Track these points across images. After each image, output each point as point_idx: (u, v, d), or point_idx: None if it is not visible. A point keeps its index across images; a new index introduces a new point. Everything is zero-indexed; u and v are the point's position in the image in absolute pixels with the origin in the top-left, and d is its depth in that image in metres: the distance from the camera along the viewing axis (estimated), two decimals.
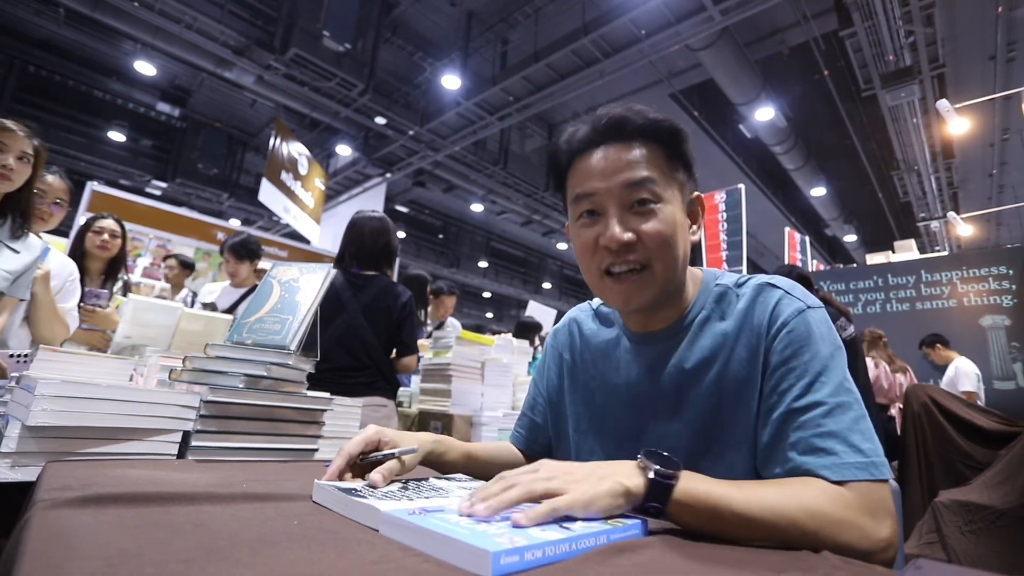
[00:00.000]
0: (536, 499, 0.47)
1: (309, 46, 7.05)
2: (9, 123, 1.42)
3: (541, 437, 0.91)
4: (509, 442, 0.94)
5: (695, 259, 0.78)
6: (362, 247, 2.13)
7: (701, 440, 0.69)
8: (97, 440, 0.76)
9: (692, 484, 0.52)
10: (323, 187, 9.31)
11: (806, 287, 0.80)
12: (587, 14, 6.91)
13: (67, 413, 0.73)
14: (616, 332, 0.82)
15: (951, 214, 8.34)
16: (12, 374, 1.05)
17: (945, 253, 8.69)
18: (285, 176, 8.03)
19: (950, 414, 2.65)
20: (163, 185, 10.98)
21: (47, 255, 1.66)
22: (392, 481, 0.63)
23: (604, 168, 0.69)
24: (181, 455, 0.84)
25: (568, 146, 0.74)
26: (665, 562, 0.41)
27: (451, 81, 8.01)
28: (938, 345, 4.10)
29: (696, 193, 0.76)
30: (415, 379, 2.57)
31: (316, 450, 0.97)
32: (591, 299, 0.92)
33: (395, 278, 2.32)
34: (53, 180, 1.87)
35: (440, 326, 3.69)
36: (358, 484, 0.59)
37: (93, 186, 5.74)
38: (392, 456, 0.65)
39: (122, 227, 2.30)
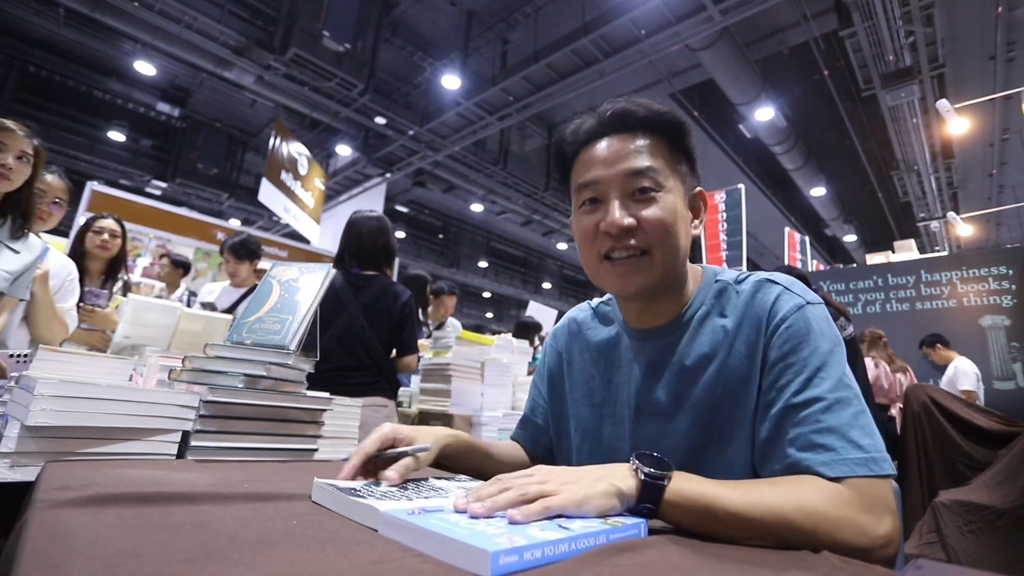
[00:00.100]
0: (530, 501, 0.48)
1: (309, 46, 7.05)
2: (9, 123, 1.42)
3: (543, 438, 0.91)
4: (515, 443, 0.94)
5: (695, 258, 0.78)
6: (361, 247, 2.13)
7: (701, 437, 0.69)
8: (96, 440, 0.76)
9: (684, 484, 0.52)
10: (323, 187, 9.31)
11: None
12: (587, 14, 6.91)
13: (66, 413, 0.73)
14: (616, 330, 0.82)
15: (951, 214, 8.34)
16: (12, 374, 1.05)
17: (945, 253, 8.69)
18: (285, 176, 8.03)
19: (950, 414, 2.65)
20: (163, 185, 10.99)
21: (46, 255, 1.66)
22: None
23: (607, 157, 0.70)
24: (180, 455, 0.84)
25: (573, 138, 0.75)
26: (665, 562, 0.41)
27: (451, 81, 8.01)
28: (938, 345, 4.11)
29: (699, 188, 0.76)
30: (415, 379, 2.57)
31: (316, 450, 0.97)
32: (590, 299, 0.92)
33: (395, 278, 2.32)
34: (52, 179, 1.87)
35: (440, 326, 3.69)
36: (358, 484, 0.59)
37: (93, 186, 5.75)
38: (405, 454, 0.65)
39: (122, 227, 2.30)
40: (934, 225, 9.95)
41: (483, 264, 16.10)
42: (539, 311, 8.29)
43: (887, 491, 0.56)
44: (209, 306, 2.85)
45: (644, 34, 6.58)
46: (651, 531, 0.50)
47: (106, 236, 2.21)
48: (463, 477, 0.72)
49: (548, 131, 10.90)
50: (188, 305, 2.94)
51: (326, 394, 1.03)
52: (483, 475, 0.68)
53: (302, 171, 8.47)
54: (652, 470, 0.52)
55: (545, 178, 11.11)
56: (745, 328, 0.68)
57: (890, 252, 5.41)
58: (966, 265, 4.46)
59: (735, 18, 5.95)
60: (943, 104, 5.46)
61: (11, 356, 1.14)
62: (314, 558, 0.37)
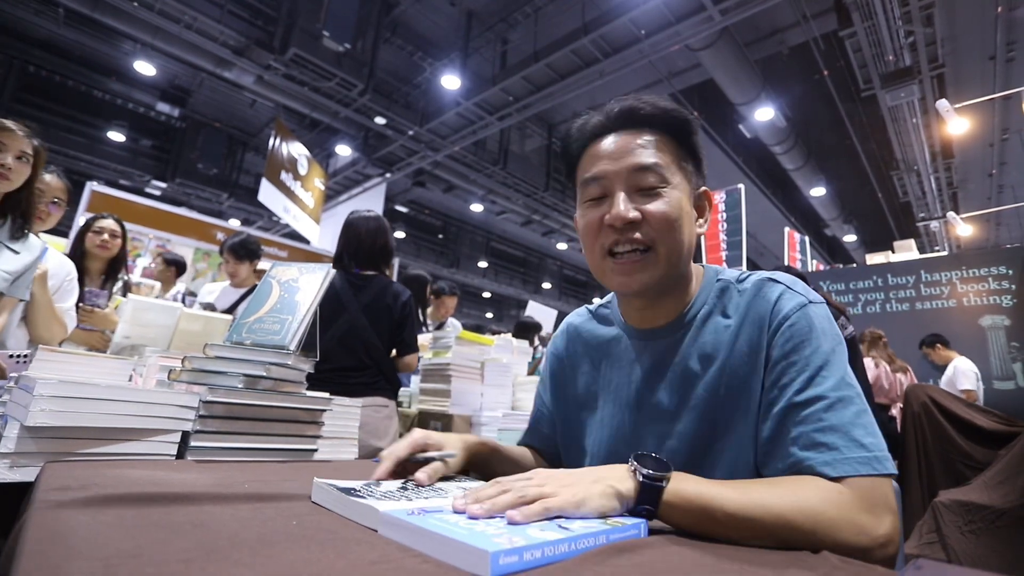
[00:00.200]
0: (528, 503, 0.48)
1: (309, 46, 7.05)
2: (8, 123, 1.42)
3: (550, 446, 0.91)
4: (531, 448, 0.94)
5: (695, 259, 0.78)
6: (360, 247, 2.13)
7: (704, 437, 0.68)
8: (96, 440, 0.76)
9: (683, 485, 0.52)
10: (323, 187, 9.31)
11: None
12: (587, 14, 6.91)
13: (66, 413, 0.73)
14: (616, 331, 0.82)
15: (951, 214, 8.34)
16: (11, 374, 1.05)
17: (945, 253, 8.69)
18: (285, 176, 8.03)
19: (950, 414, 2.65)
20: (163, 185, 10.98)
21: (45, 255, 1.66)
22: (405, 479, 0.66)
23: (613, 152, 0.70)
24: (180, 455, 0.84)
25: (579, 133, 0.75)
26: (664, 562, 0.41)
27: (451, 81, 8.01)
28: (938, 345, 4.11)
29: (704, 188, 0.76)
30: (415, 379, 2.57)
31: (315, 450, 0.97)
32: (590, 299, 0.92)
33: (394, 278, 2.32)
34: (51, 179, 1.87)
35: (441, 326, 3.69)
36: (358, 484, 0.59)
37: (93, 186, 5.74)
38: (434, 459, 0.67)
39: (122, 227, 2.30)
40: (934, 225, 9.95)
41: (483, 264, 16.10)
42: (538, 311, 8.28)
43: (888, 491, 0.56)
44: (208, 306, 2.85)
45: (644, 34, 6.59)
46: (651, 531, 0.50)
47: (106, 236, 2.21)
48: (463, 477, 0.72)
49: (548, 131, 10.90)
50: (183, 304, 2.93)
51: (326, 394, 1.03)
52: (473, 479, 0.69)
53: (302, 171, 8.47)
54: (650, 471, 0.52)
55: (545, 178, 11.11)
56: (747, 327, 0.68)
57: (890, 252, 5.41)
58: (966, 265, 4.46)
59: (735, 18, 5.95)
60: (943, 104, 5.46)
61: (11, 356, 1.14)
62: (314, 558, 0.37)
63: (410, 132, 9.00)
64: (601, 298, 0.91)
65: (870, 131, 9.07)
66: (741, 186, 5.52)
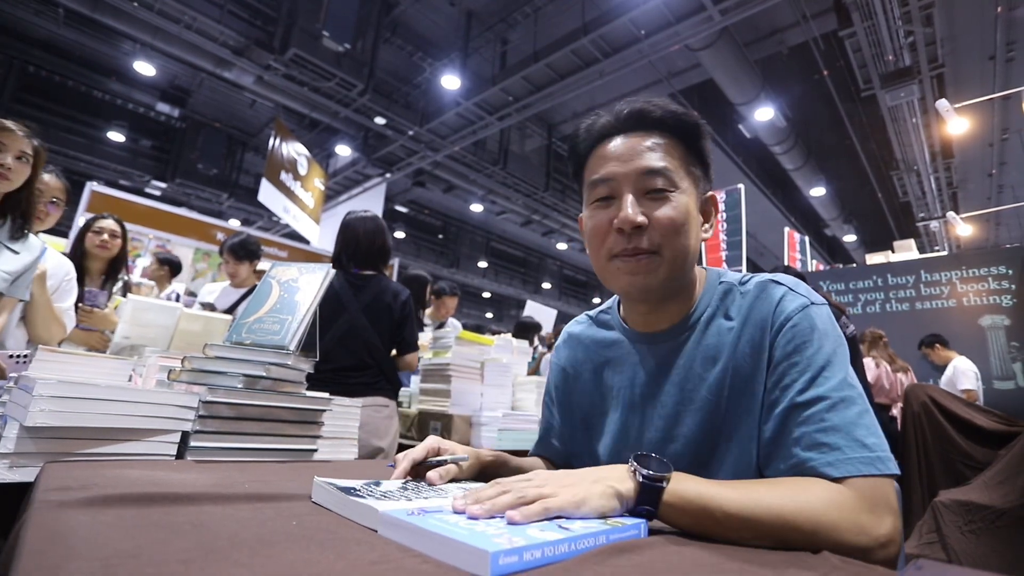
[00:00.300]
0: (528, 504, 0.48)
1: (309, 46, 7.05)
2: (8, 123, 1.42)
3: (561, 457, 0.90)
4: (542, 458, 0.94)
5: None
6: (358, 248, 2.12)
7: (708, 439, 0.69)
8: (95, 440, 0.76)
9: (683, 486, 0.52)
10: (323, 187, 9.31)
11: None
12: (587, 14, 6.91)
13: (65, 414, 0.73)
14: (618, 336, 0.82)
15: (951, 214, 8.34)
16: (11, 374, 1.05)
17: (945, 253, 8.69)
18: (285, 176, 8.03)
19: (950, 414, 2.65)
20: (163, 185, 10.99)
21: (44, 255, 1.65)
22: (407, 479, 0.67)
23: (622, 154, 0.70)
24: (180, 455, 0.84)
25: (587, 134, 0.75)
26: (664, 562, 0.41)
27: (451, 81, 8.01)
28: (937, 345, 4.11)
29: (711, 192, 0.77)
30: (415, 379, 2.57)
31: (315, 450, 0.97)
32: (590, 299, 0.92)
33: (394, 278, 2.32)
34: (49, 179, 1.87)
35: (441, 326, 3.69)
36: (358, 484, 0.59)
37: (93, 186, 5.74)
38: (446, 462, 0.69)
39: (122, 227, 2.30)
40: (934, 225, 9.95)
41: (483, 264, 16.10)
42: (538, 311, 8.29)
43: (889, 491, 0.56)
44: (209, 306, 2.85)
45: (644, 34, 6.59)
46: (651, 531, 0.50)
47: (106, 236, 2.21)
48: (465, 478, 0.72)
49: (548, 131, 10.90)
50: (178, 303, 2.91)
51: (326, 394, 1.03)
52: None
53: (302, 171, 8.47)
54: (650, 471, 0.52)
55: (545, 178, 11.11)
56: (749, 328, 0.68)
57: (890, 252, 5.41)
58: (966, 265, 4.46)
59: (735, 18, 5.96)
60: (943, 104, 5.46)
61: (10, 356, 1.14)
62: (314, 558, 0.37)
63: (410, 132, 9.00)
64: (601, 297, 0.91)
65: (870, 131, 9.07)
66: (741, 186, 5.53)
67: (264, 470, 0.78)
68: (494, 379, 2.26)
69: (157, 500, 0.52)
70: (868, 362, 3.73)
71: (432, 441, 0.71)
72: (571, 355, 0.88)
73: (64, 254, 1.94)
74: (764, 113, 7.98)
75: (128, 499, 0.51)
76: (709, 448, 0.68)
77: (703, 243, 0.77)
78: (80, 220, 4.85)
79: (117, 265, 2.30)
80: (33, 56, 9.13)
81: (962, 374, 3.85)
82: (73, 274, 1.84)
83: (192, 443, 0.83)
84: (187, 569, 0.33)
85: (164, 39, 6.94)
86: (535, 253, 17.36)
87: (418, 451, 0.69)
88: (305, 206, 8.54)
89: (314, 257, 7.72)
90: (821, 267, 8.88)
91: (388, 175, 10.23)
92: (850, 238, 12.71)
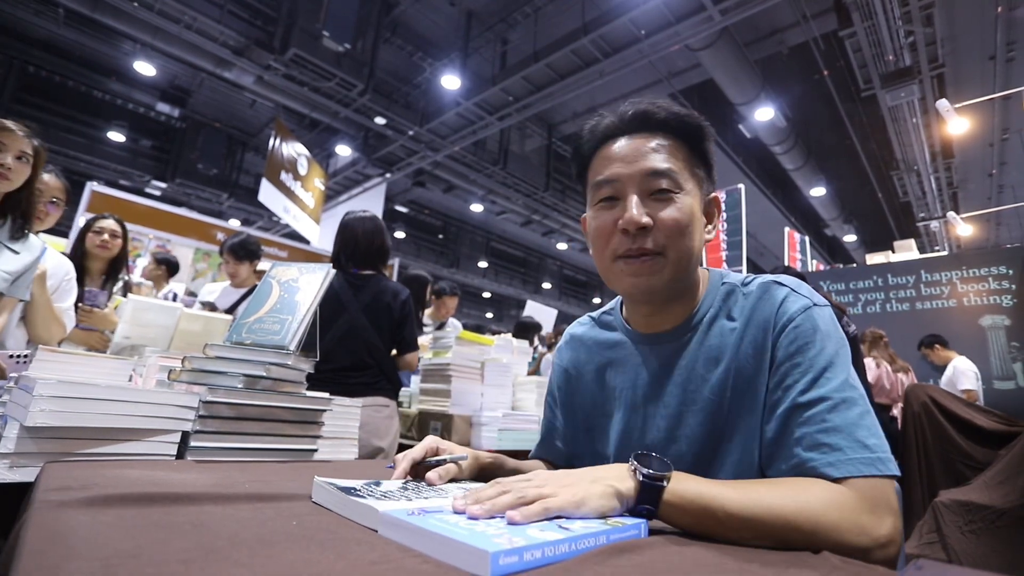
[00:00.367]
0: (528, 504, 0.48)
1: (309, 46, 7.05)
2: (8, 123, 1.42)
3: (563, 459, 0.90)
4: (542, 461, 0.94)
5: None
6: (357, 248, 2.12)
7: (710, 439, 0.69)
8: (96, 440, 0.76)
9: (683, 485, 0.52)
10: (323, 187, 9.31)
11: None
12: (587, 14, 6.91)
13: (65, 414, 0.73)
14: (621, 337, 0.82)
15: (951, 214, 8.34)
16: (11, 374, 1.05)
17: (945, 253, 8.69)
18: (285, 176, 8.03)
19: (950, 414, 2.65)
20: (163, 185, 10.99)
21: (44, 255, 1.66)
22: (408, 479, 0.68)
23: (627, 155, 0.70)
24: (180, 455, 0.84)
25: (592, 135, 0.75)
26: (665, 562, 0.41)
27: (451, 81, 8.01)
28: (936, 346, 4.11)
29: (714, 194, 0.77)
30: (415, 379, 2.57)
31: (315, 450, 0.97)
32: (590, 299, 0.92)
33: (394, 278, 2.32)
34: (49, 178, 1.87)
35: (441, 326, 3.69)
36: (358, 484, 0.59)
37: (93, 186, 5.74)
38: (446, 461, 0.69)
39: (123, 227, 2.30)
40: (934, 225, 9.95)
41: (483, 264, 16.09)
42: (538, 311, 8.29)
43: (889, 491, 0.56)
44: (209, 305, 2.85)
45: (644, 34, 6.59)
46: (651, 531, 0.50)
47: (106, 236, 2.21)
48: (467, 480, 0.72)
49: (548, 131, 10.90)
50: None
51: (326, 394, 1.03)
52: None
53: (302, 171, 8.47)
54: (650, 471, 0.52)
55: (545, 178, 11.11)
56: (752, 329, 0.69)
57: (890, 252, 5.41)
58: (966, 265, 4.46)
59: (735, 18, 5.96)
60: (943, 104, 5.46)
61: (10, 356, 1.14)
62: (314, 558, 0.37)
63: (410, 132, 9.00)
64: (601, 297, 0.91)
65: (870, 131, 9.07)
66: (741, 186, 5.53)
67: (264, 470, 0.78)
68: (494, 379, 2.26)
69: (157, 500, 0.52)
70: (869, 362, 3.73)
71: (430, 441, 0.72)
72: (574, 356, 0.88)
73: (65, 254, 1.94)
74: (764, 113, 7.98)
75: (128, 499, 0.51)
76: (711, 448, 0.68)
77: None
78: (80, 220, 4.86)
79: (118, 265, 2.30)
80: (33, 56, 9.13)
81: (962, 374, 3.85)
82: (73, 274, 1.84)
83: (192, 443, 0.83)
84: (187, 569, 0.33)
85: (164, 39, 6.94)
86: (535, 253, 17.35)
87: (417, 451, 0.70)
88: (305, 206, 8.54)
89: (314, 257, 7.72)
90: (821, 267, 8.88)
91: (388, 175, 10.23)
92: (850, 238, 12.71)
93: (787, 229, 6.82)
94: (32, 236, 1.56)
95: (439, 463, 0.69)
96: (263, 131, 11.01)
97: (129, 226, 2.37)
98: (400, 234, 14.42)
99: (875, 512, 0.53)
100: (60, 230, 4.57)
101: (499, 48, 8.31)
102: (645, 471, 0.52)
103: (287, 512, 0.51)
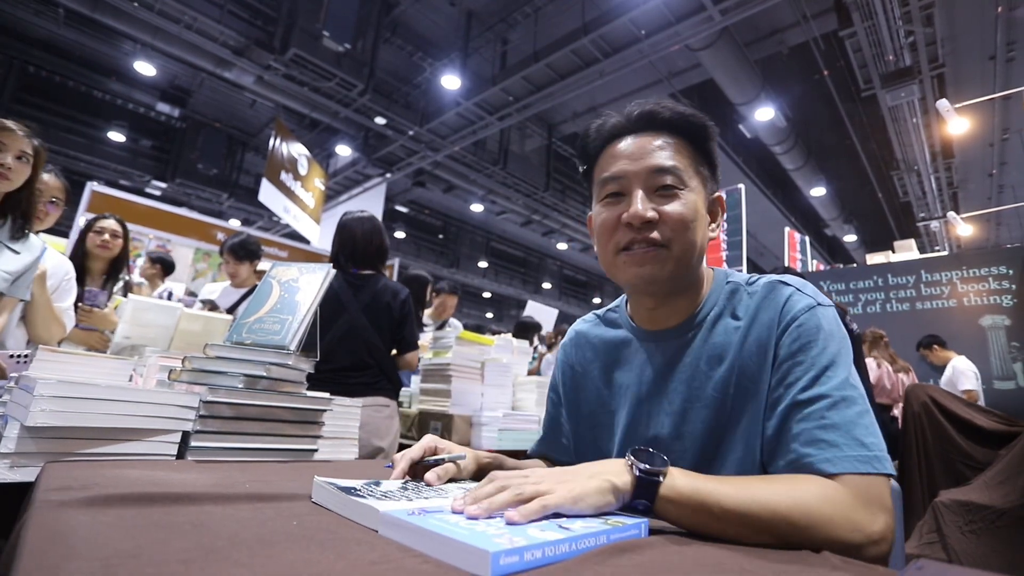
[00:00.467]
0: (526, 501, 0.48)
1: (309, 46, 7.05)
2: (8, 123, 1.42)
3: (565, 456, 0.90)
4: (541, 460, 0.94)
5: None
6: (355, 249, 2.13)
7: (713, 436, 0.69)
8: (96, 440, 0.76)
9: (679, 480, 0.53)
10: (323, 187, 9.31)
11: None
12: (587, 14, 6.91)
13: (66, 413, 0.73)
14: (625, 334, 0.82)
15: (951, 214, 8.34)
16: (11, 374, 1.05)
17: (945, 253, 8.68)
18: (285, 176, 8.03)
19: (950, 414, 2.65)
20: (163, 185, 10.99)
21: (44, 254, 1.66)
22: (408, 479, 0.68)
23: (633, 153, 0.72)
24: (180, 455, 0.84)
25: (598, 134, 0.77)
26: (665, 562, 0.41)
27: (451, 81, 8.01)
28: (935, 346, 4.10)
29: (718, 193, 0.78)
30: (415, 379, 2.58)
31: (316, 450, 0.97)
32: (590, 299, 0.92)
33: (395, 278, 2.32)
34: (48, 178, 1.87)
35: (442, 326, 3.69)
36: (358, 484, 0.59)
37: (93, 186, 5.74)
38: (444, 461, 0.69)
39: (124, 227, 2.30)
40: (934, 225, 9.95)
41: (483, 264, 16.09)
42: (538, 311, 8.29)
43: (884, 489, 0.56)
44: (209, 303, 2.85)
45: (644, 34, 6.59)
46: (652, 531, 0.50)
47: (107, 236, 2.21)
48: (467, 480, 0.72)
49: (548, 131, 10.90)
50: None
51: (326, 394, 1.03)
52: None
53: (302, 171, 8.47)
54: (647, 466, 0.53)
55: (545, 178, 11.11)
56: (756, 328, 0.69)
57: (890, 252, 5.41)
58: (966, 265, 4.46)
59: (735, 18, 5.95)
60: (943, 104, 5.46)
61: (11, 356, 1.14)
62: (314, 559, 0.37)
63: (410, 132, 9.00)
64: (601, 298, 0.91)
65: (870, 131, 9.06)
66: (741, 186, 5.52)
67: (264, 470, 0.78)
68: (494, 379, 2.26)
69: (157, 500, 0.52)
70: (869, 362, 3.73)
71: (429, 440, 0.72)
72: (579, 353, 0.89)
73: (66, 255, 1.94)
74: (764, 113, 7.98)
75: (129, 499, 0.51)
76: (714, 445, 0.69)
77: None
78: (81, 220, 4.85)
79: (118, 265, 2.30)
80: (33, 56, 9.13)
81: (961, 374, 3.84)
82: (72, 274, 1.84)
83: (192, 443, 0.83)
84: (187, 569, 0.33)
85: (164, 39, 6.94)
86: (535, 253, 17.35)
87: (415, 451, 0.70)
88: (305, 206, 8.54)
89: (314, 257, 7.72)
90: (821, 267, 8.87)
91: (388, 175, 10.23)
92: (850, 238, 12.71)
93: (787, 229, 6.81)
94: (32, 236, 1.57)
95: (437, 463, 0.68)
96: (263, 131, 11.02)
97: (129, 226, 2.37)
98: (400, 234, 14.42)
99: (869, 509, 0.54)
100: (60, 230, 4.57)
101: (499, 48, 8.31)
102: (642, 466, 0.53)
103: (287, 512, 0.51)
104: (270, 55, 7.23)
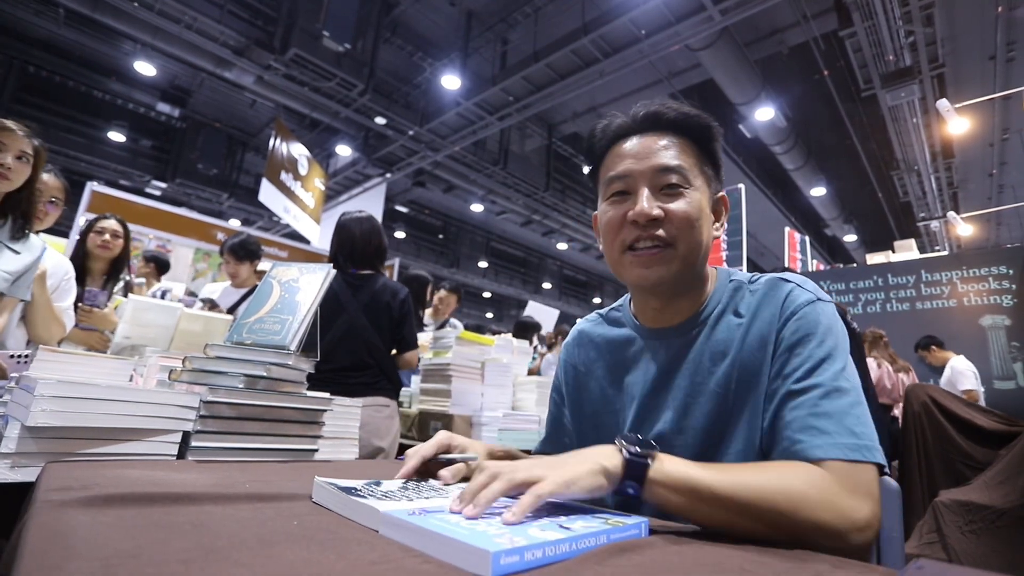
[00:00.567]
0: (518, 487, 0.49)
1: (309, 46, 7.05)
2: (9, 123, 1.42)
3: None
4: None
5: None
6: (354, 248, 2.13)
7: (716, 431, 0.70)
8: (97, 440, 0.76)
9: (668, 464, 0.54)
10: (323, 187, 9.30)
11: None
12: (587, 14, 6.91)
13: (66, 414, 0.73)
14: (629, 333, 0.83)
15: (951, 214, 8.34)
16: (12, 374, 1.05)
17: (945, 253, 8.68)
18: (285, 176, 8.03)
19: (950, 414, 2.65)
20: (163, 185, 10.99)
21: (43, 254, 1.66)
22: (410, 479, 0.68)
23: (638, 152, 0.73)
24: (181, 455, 0.84)
25: (604, 134, 0.78)
26: (665, 562, 0.41)
27: (451, 81, 8.01)
28: (933, 347, 4.09)
29: (721, 193, 0.79)
30: (415, 379, 2.58)
31: (316, 450, 0.97)
32: (590, 299, 0.92)
33: (395, 278, 2.33)
34: (48, 178, 1.87)
35: (443, 326, 3.69)
36: (359, 484, 0.59)
37: (93, 186, 5.73)
38: (456, 461, 0.69)
39: (125, 227, 2.30)
40: (934, 225, 9.95)
41: (483, 264, 16.09)
42: (539, 311, 8.29)
43: (872, 478, 0.57)
44: (209, 303, 2.85)
45: (644, 34, 6.58)
46: (652, 531, 0.50)
47: (107, 236, 2.21)
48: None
49: (548, 131, 10.90)
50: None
51: (326, 394, 1.03)
52: None
53: (302, 171, 8.47)
54: (637, 448, 0.54)
55: (545, 178, 11.11)
56: (758, 323, 0.70)
57: (890, 252, 5.41)
58: (966, 265, 4.46)
59: (735, 18, 5.95)
60: (943, 104, 5.46)
61: (11, 356, 1.15)
62: (314, 559, 0.37)
63: (410, 132, 9.00)
64: (601, 298, 0.91)
65: (870, 131, 9.06)
66: (741, 186, 5.52)
67: (265, 470, 0.78)
68: (494, 379, 2.26)
69: (158, 500, 0.52)
70: (870, 362, 3.72)
71: (443, 437, 0.72)
72: (582, 352, 0.89)
73: (67, 255, 1.94)
74: (764, 113, 7.98)
75: (129, 499, 0.51)
76: (717, 438, 0.70)
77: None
78: (81, 220, 4.85)
79: (119, 265, 2.30)
80: (33, 56, 9.13)
81: (960, 374, 3.84)
82: (72, 273, 1.84)
83: (193, 443, 0.83)
84: (187, 569, 0.33)
85: (164, 39, 6.94)
86: (535, 253, 17.35)
87: (429, 447, 0.70)
88: (305, 206, 8.54)
89: (314, 257, 7.71)
90: (821, 267, 8.88)
91: (388, 175, 10.23)
92: (850, 238, 12.71)
93: (787, 229, 6.81)
94: (33, 236, 1.57)
95: (450, 462, 0.69)
96: (263, 131, 11.02)
97: (129, 226, 2.37)
98: (400, 234, 14.42)
99: (855, 495, 0.54)
100: (60, 230, 4.57)
101: (499, 48, 8.31)
102: (632, 448, 0.54)
103: (288, 512, 0.51)
104: (270, 55, 7.23)
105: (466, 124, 8.86)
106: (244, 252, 3.03)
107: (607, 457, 0.54)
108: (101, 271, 2.26)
